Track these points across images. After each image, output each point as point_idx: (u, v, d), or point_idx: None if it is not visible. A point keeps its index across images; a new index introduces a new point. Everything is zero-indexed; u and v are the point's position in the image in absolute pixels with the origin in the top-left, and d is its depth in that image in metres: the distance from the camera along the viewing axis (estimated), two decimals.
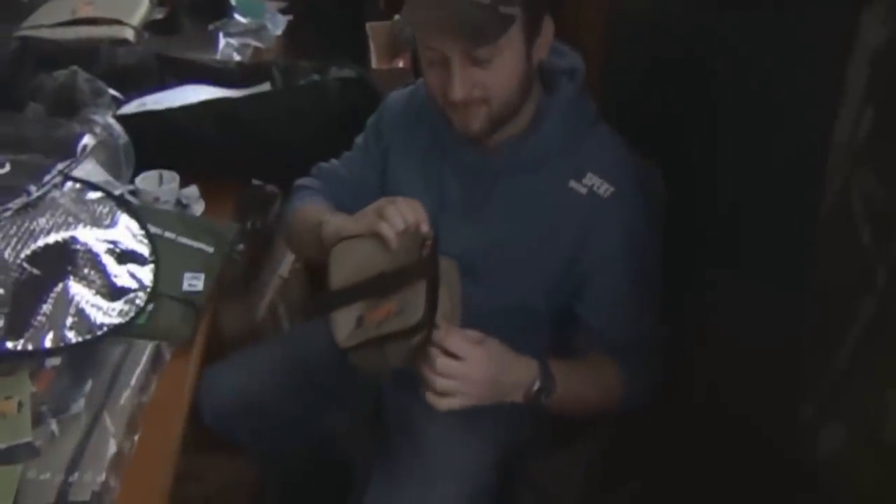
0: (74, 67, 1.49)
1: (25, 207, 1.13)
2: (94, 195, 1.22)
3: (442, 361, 0.96)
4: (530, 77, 1.09)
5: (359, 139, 1.32)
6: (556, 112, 1.11)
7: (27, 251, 1.08)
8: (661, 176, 1.18)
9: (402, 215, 1.03)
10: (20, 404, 0.96)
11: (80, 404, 0.98)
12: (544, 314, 1.17)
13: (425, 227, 1.03)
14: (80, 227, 1.15)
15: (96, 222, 1.17)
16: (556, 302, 1.15)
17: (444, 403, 0.97)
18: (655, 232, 1.13)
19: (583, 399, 1.10)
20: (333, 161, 1.34)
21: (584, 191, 1.10)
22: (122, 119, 1.42)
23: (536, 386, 1.03)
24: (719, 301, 1.10)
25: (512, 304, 1.15)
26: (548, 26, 1.08)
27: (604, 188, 1.09)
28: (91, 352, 1.05)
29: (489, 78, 1.03)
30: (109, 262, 1.13)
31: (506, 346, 1.04)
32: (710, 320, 1.13)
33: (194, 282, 1.19)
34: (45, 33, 1.84)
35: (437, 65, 1.05)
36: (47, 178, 1.17)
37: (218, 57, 1.94)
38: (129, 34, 1.88)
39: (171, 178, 1.40)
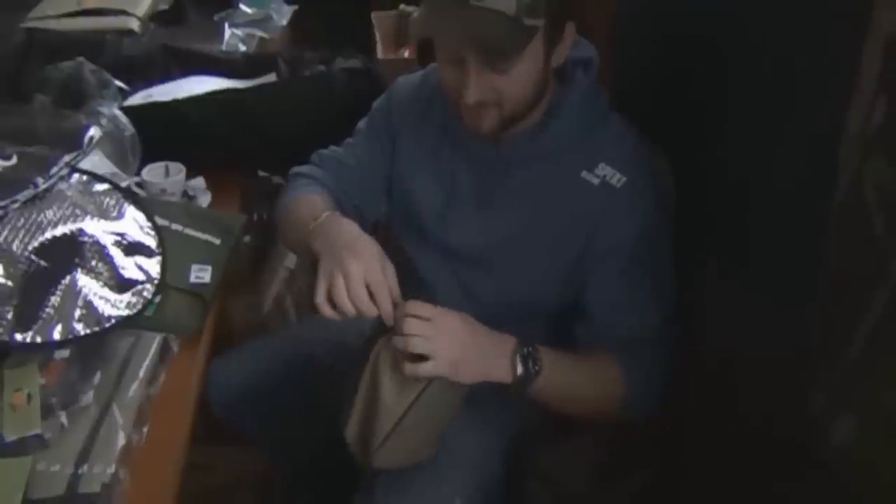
0: (80, 59, 1.49)
1: (33, 199, 1.13)
2: (100, 187, 1.22)
3: (409, 321, 0.95)
4: (547, 79, 1.07)
5: (362, 124, 1.29)
6: (570, 105, 1.09)
7: (35, 243, 1.08)
8: (670, 166, 1.17)
9: (349, 304, 0.96)
10: (29, 396, 0.97)
11: (88, 396, 0.99)
12: (552, 309, 1.16)
13: (386, 312, 0.98)
14: (88, 219, 1.15)
15: (103, 214, 1.17)
16: (564, 296, 1.13)
17: (420, 369, 0.96)
18: (666, 222, 1.12)
19: (577, 391, 1.07)
20: (335, 148, 1.30)
21: (596, 182, 1.08)
22: (128, 110, 1.41)
23: (521, 354, 1.00)
24: (730, 291, 1.10)
25: (520, 297, 1.14)
26: (570, 31, 1.05)
27: (616, 178, 1.08)
28: (99, 344, 1.06)
29: (506, 84, 1.01)
30: (117, 254, 1.13)
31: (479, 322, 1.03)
32: (720, 311, 1.13)
33: (201, 274, 1.19)
34: (51, 24, 1.83)
35: (452, 64, 1.03)
36: (54, 170, 1.17)
37: (224, 47, 1.93)
38: (134, 25, 1.87)
39: (178, 169, 1.40)
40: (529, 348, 1.01)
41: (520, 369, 1.00)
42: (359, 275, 0.97)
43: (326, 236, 1.04)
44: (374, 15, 2.51)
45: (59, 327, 1.02)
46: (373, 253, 1.00)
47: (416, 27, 1.06)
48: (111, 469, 0.90)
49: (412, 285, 1.25)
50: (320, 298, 0.98)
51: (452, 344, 0.97)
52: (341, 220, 1.08)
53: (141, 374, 1.03)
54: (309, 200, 1.20)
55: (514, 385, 1.01)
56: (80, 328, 1.03)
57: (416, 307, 0.97)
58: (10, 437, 0.92)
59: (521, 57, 0.98)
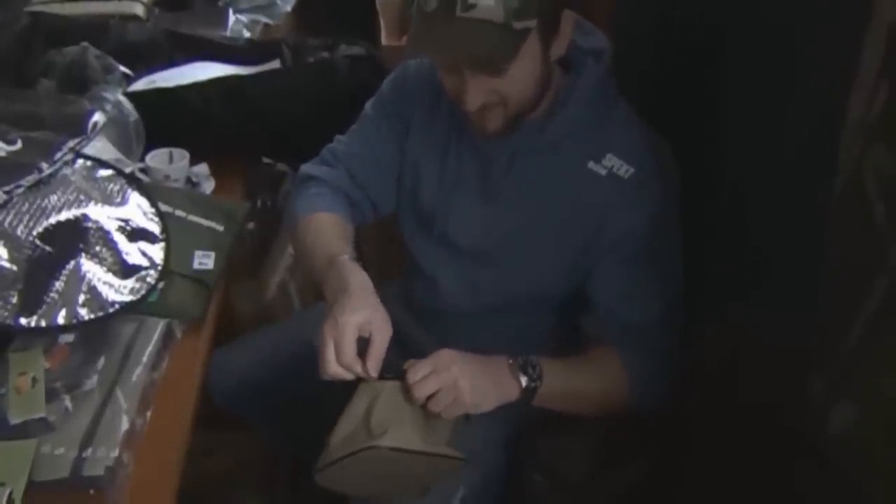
0: (85, 44, 1.49)
1: (37, 184, 1.13)
2: (104, 173, 1.22)
3: (418, 386, 0.94)
4: (549, 72, 1.05)
5: (369, 108, 1.25)
6: (580, 96, 1.07)
7: (39, 228, 1.08)
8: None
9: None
10: (34, 380, 0.97)
11: (93, 381, 0.99)
12: (555, 302, 1.15)
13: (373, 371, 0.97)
14: (92, 204, 1.15)
15: (107, 200, 1.18)
16: (568, 288, 1.12)
17: (453, 411, 0.96)
18: (673, 212, 1.10)
19: (580, 389, 1.07)
20: (343, 139, 1.27)
21: (603, 172, 1.07)
22: (132, 96, 1.42)
23: (518, 365, 1.00)
24: (729, 279, 1.10)
25: (526, 290, 1.14)
26: (566, 22, 1.02)
27: (624, 169, 1.06)
28: (103, 329, 1.06)
29: (505, 85, 1.00)
30: (121, 240, 1.13)
31: None
32: (718, 299, 1.13)
33: (205, 260, 1.20)
34: (56, 9, 1.84)
35: (448, 72, 1.02)
36: (58, 155, 1.17)
37: (228, 33, 1.94)
38: (139, 10, 1.88)
39: (182, 155, 1.40)
40: (521, 358, 1.02)
41: (524, 380, 1.00)
42: (331, 358, 0.95)
43: (328, 293, 1.03)
44: (377, 1, 2.51)
45: (63, 312, 1.02)
46: (346, 327, 0.95)
47: (408, 45, 1.04)
48: (115, 453, 0.91)
49: (415, 280, 1.25)
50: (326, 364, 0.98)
51: (466, 381, 0.96)
52: (340, 275, 1.03)
53: (144, 359, 1.04)
54: (321, 224, 1.17)
55: (522, 398, 1.01)
56: (84, 313, 1.03)
57: (416, 371, 0.96)
58: (15, 420, 0.93)
59: (516, 59, 0.97)
